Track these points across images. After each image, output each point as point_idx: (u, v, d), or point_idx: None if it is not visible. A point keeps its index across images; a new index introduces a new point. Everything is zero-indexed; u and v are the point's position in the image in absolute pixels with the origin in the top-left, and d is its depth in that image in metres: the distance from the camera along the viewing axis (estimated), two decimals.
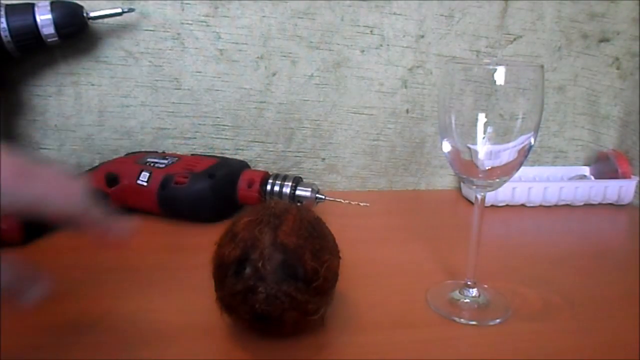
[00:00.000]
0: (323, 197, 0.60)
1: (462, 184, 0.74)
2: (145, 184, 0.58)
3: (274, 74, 0.68)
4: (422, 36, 0.70)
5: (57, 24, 0.56)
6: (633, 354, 0.38)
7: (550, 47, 0.73)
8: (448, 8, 0.69)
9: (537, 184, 0.69)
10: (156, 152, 0.64)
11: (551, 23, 0.72)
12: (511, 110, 0.37)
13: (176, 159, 0.61)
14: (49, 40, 0.57)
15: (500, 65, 0.37)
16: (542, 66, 0.38)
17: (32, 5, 0.56)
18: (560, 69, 0.74)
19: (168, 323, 0.39)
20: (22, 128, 0.65)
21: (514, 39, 0.72)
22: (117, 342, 0.36)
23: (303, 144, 0.71)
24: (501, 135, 0.38)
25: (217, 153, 0.70)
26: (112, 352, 0.35)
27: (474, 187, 0.41)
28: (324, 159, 0.73)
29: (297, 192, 0.59)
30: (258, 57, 0.67)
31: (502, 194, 0.68)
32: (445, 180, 0.76)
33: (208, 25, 0.65)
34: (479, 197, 0.41)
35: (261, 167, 0.71)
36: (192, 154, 0.64)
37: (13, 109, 0.64)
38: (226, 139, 0.70)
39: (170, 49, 0.66)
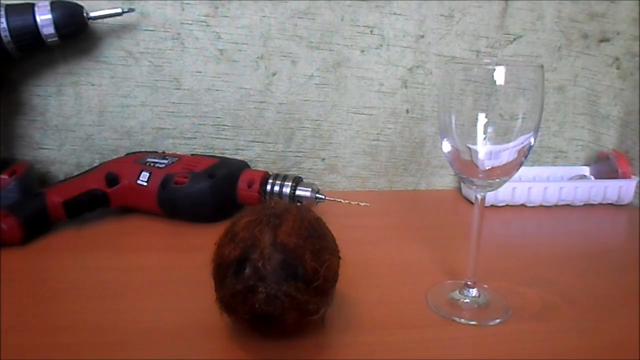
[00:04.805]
0: (323, 197, 0.60)
1: (462, 184, 0.74)
2: (145, 184, 0.58)
3: (274, 74, 0.68)
4: (422, 36, 0.70)
5: (57, 24, 0.56)
6: (633, 354, 0.38)
7: (550, 47, 0.73)
8: (448, 8, 0.69)
9: (537, 184, 0.69)
10: (156, 152, 0.64)
11: (551, 23, 0.72)
12: (511, 110, 0.37)
13: (176, 159, 0.61)
14: (49, 40, 0.57)
15: (500, 65, 0.37)
16: (542, 66, 0.38)
17: (32, 5, 0.56)
18: (560, 69, 0.74)
19: (168, 323, 0.39)
20: (22, 128, 0.65)
21: (514, 39, 0.72)
22: (117, 342, 0.36)
23: (303, 144, 0.71)
24: (501, 135, 0.38)
25: (217, 153, 0.70)
26: (112, 352, 0.35)
27: (474, 187, 0.41)
28: (324, 159, 0.73)
29: (297, 192, 0.59)
30: (258, 57, 0.67)
31: (502, 194, 0.68)
32: (445, 180, 0.76)
33: (208, 25, 0.65)
34: (479, 197, 0.41)
35: (261, 167, 0.71)
36: (192, 154, 0.64)
37: (13, 109, 0.65)
38: (226, 139, 0.70)
39: (170, 49, 0.66)
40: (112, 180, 0.58)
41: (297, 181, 0.60)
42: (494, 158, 0.39)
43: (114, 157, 0.65)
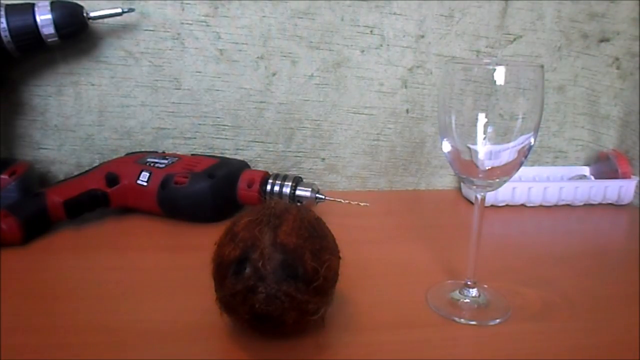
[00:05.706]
0: (323, 197, 0.60)
1: (462, 184, 0.74)
2: (145, 184, 0.58)
3: (274, 74, 0.68)
4: (422, 36, 0.70)
5: (57, 24, 0.56)
6: (633, 354, 0.38)
7: (550, 47, 0.73)
8: (448, 8, 0.69)
9: (537, 184, 0.69)
10: (156, 152, 0.64)
11: (551, 23, 0.72)
12: (511, 110, 0.37)
13: (176, 159, 0.61)
14: (49, 40, 0.57)
15: (500, 65, 0.37)
16: (542, 66, 0.38)
17: (32, 5, 0.56)
18: (560, 69, 0.74)
19: (168, 323, 0.39)
20: (22, 128, 0.65)
21: (514, 39, 0.72)
22: (117, 342, 0.36)
23: (303, 144, 0.71)
24: (501, 135, 0.38)
25: (217, 153, 0.70)
26: (112, 352, 0.35)
27: (474, 187, 0.41)
28: (324, 159, 0.73)
29: (297, 192, 0.59)
30: (258, 57, 0.67)
31: (502, 194, 0.68)
32: (445, 180, 0.76)
33: (208, 25, 0.65)
34: (479, 197, 0.41)
35: (261, 167, 0.71)
36: (192, 154, 0.64)
37: (13, 109, 0.65)
38: (226, 139, 0.70)
39: (170, 49, 0.66)
40: (112, 180, 0.58)
41: (297, 181, 0.60)
42: (494, 158, 0.39)
43: (114, 157, 0.65)
